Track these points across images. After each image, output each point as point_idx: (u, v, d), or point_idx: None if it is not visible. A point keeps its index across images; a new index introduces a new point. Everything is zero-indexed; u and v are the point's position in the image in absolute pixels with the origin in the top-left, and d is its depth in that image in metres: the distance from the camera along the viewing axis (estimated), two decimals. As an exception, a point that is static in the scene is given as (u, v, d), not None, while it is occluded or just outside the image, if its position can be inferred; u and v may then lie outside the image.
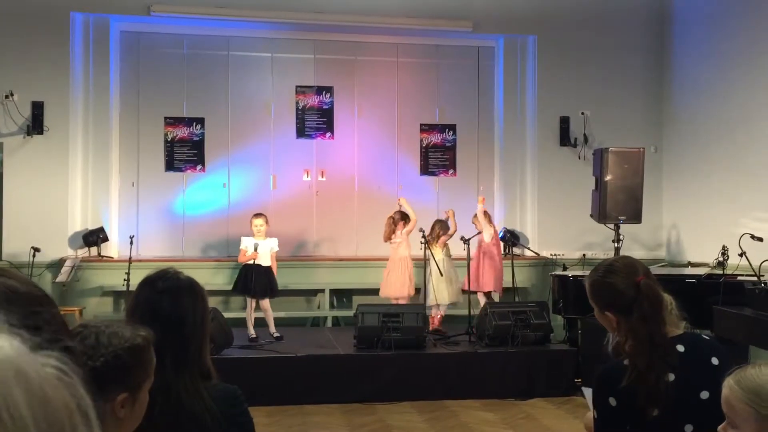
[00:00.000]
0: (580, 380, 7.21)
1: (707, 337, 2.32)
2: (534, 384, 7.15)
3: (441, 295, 8.06)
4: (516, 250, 9.60)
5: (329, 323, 9.14)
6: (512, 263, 8.59)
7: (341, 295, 9.42)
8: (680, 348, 2.15)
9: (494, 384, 7.09)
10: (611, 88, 9.88)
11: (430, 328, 7.99)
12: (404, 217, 8.22)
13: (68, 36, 8.95)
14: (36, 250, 8.33)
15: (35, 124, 8.73)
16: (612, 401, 2.11)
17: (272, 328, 7.76)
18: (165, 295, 1.92)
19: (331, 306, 9.30)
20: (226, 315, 7.82)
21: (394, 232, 8.17)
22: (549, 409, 6.81)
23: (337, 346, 7.52)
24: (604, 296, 2.21)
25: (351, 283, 9.26)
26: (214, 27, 9.53)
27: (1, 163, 8.95)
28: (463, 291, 8.29)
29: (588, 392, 2.40)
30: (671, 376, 2.10)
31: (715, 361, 2.16)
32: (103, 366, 1.39)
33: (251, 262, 7.61)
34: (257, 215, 7.88)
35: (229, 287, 8.87)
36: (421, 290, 8.22)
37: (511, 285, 8.65)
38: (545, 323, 7.52)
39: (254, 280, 7.55)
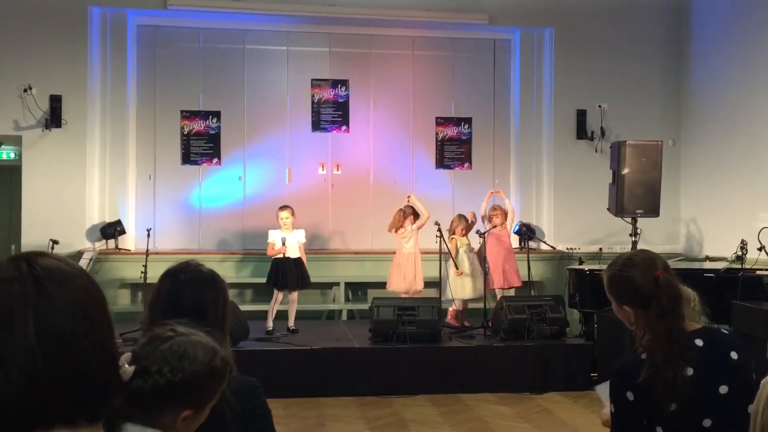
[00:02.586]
0: (596, 374, 7.19)
1: (726, 332, 2.30)
2: (550, 378, 7.14)
3: (457, 290, 8.04)
4: (532, 244, 9.57)
5: (344, 316, 9.16)
6: (528, 257, 8.56)
7: (356, 289, 9.45)
8: (699, 342, 2.13)
9: (510, 378, 7.09)
10: (628, 81, 9.80)
11: (451, 323, 8.01)
12: (414, 212, 8.19)
13: (86, 30, 9.01)
14: (54, 242, 8.41)
15: (53, 118, 8.80)
16: (629, 396, 2.10)
17: (291, 321, 7.78)
18: (187, 287, 1.93)
19: (346, 299, 9.33)
20: (242, 307, 7.87)
21: (402, 225, 8.11)
22: (565, 404, 6.79)
23: (352, 339, 7.55)
24: (622, 290, 2.20)
25: (366, 276, 9.27)
26: (230, 20, 9.56)
27: (20, 156, 9.04)
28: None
29: (601, 389, 2.39)
30: (690, 371, 2.08)
31: (734, 355, 2.14)
32: (180, 383, 1.39)
33: (280, 255, 7.62)
34: (283, 208, 7.87)
35: (245, 280, 8.95)
36: (440, 285, 8.19)
37: (526, 279, 8.62)
38: (561, 317, 7.50)
39: (286, 273, 7.57)
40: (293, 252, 7.66)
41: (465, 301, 8.19)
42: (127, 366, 1.33)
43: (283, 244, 7.58)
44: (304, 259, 7.80)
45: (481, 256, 8.15)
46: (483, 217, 8.35)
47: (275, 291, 7.69)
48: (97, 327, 1.00)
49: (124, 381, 1.29)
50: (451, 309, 8.17)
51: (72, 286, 0.99)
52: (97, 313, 1.01)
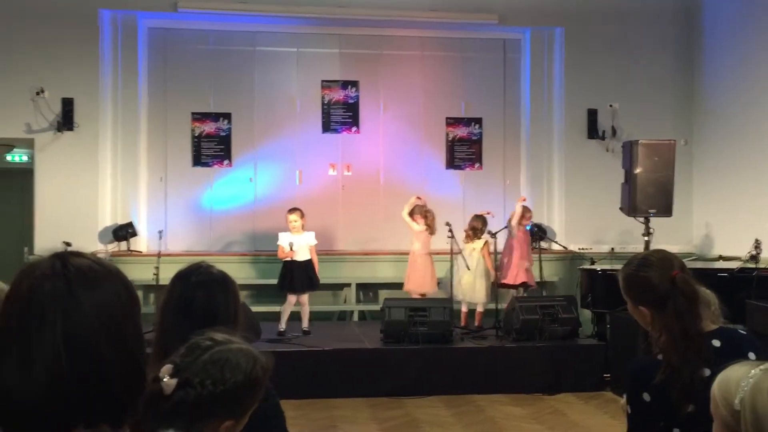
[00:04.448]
0: (608, 375, 7.15)
1: (744, 332, 2.27)
2: (562, 379, 7.10)
3: (469, 291, 8.02)
4: (543, 244, 9.52)
5: (356, 317, 9.16)
6: (540, 257, 8.53)
7: (367, 290, 9.44)
8: (716, 343, 2.11)
9: (522, 379, 7.06)
10: (639, 80, 9.74)
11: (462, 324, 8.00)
12: (424, 215, 8.17)
13: (97, 33, 9.06)
14: (67, 244, 8.45)
15: (65, 121, 8.85)
16: (646, 397, 2.09)
17: (305, 323, 7.77)
18: (198, 289, 1.93)
19: (357, 300, 9.32)
20: (254, 308, 7.88)
21: (412, 216, 8.11)
22: (577, 404, 6.76)
23: (363, 340, 7.54)
24: (638, 290, 2.17)
25: (377, 277, 9.27)
26: (240, 23, 9.57)
27: (33, 159, 9.10)
28: (500, 286, 8.19)
29: None
30: (707, 372, 2.06)
31: (752, 356, 2.11)
32: (222, 394, 1.38)
33: (289, 258, 7.64)
34: (291, 210, 7.86)
35: (256, 281, 8.95)
36: (449, 285, 8.17)
37: (538, 279, 8.58)
38: (573, 318, 7.47)
39: (293, 276, 7.58)
40: (302, 255, 7.67)
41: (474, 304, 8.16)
42: (168, 378, 1.32)
43: (291, 248, 7.58)
44: (315, 261, 7.79)
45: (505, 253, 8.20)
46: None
47: (289, 294, 7.69)
48: (123, 334, 0.99)
49: (166, 393, 1.28)
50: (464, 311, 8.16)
51: (102, 289, 0.98)
52: (124, 319, 1.00)
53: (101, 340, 0.96)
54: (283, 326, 7.64)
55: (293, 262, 7.62)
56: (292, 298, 7.69)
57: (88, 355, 0.94)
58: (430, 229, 8.10)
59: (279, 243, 7.75)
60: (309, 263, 7.72)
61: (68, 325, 0.94)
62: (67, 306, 0.95)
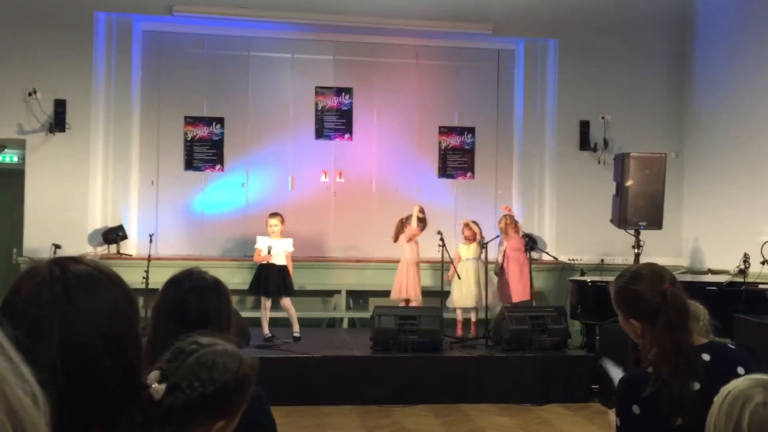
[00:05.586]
0: (597, 386, 7.17)
1: (733, 347, 2.29)
2: (550, 389, 7.11)
3: (458, 298, 8.04)
4: (534, 255, 9.54)
5: (345, 324, 9.14)
6: (530, 267, 8.55)
7: (357, 297, 9.43)
8: (706, 357, 2.13)
9: (510, 389, 7.06)
10: (632, 93, 9.80)
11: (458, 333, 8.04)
12: (419, 221, 8.22)
13: (91, 35, 9.03)
14: (57, 246, 8.42)
15: (57, 122, 8.81)
16: (635, 409, 2.09)
17: (296, 327, 7.75)
18: (190, 295, 1.93)
19: (347, 307, 9.31)
20: (244, 314, 7.86)
21: (402, 232, 8.19)
22: (565, 415, 6.77)
23: (353, 348, 7.53)
24: (629, 303, 2.19)
25: (367, 284, 9.26)
26: (235, 27, 9.58)
27: (24, 160, 9.05)
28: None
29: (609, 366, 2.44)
30: (696, 385, 2.07)
31: (741, 370, 2.13)
32: (212, 395, 1.38)
33: (266, 262, 7.64)
34: (272, 215, 7.91)
35: (246, 286, 8.91)
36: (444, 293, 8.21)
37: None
38: (563, 328, 7.48)
39: (268, 280, 7.59)
40: (279, 260, 7.68)
41: (469, 310, 8.19)
42: (156, 384, 1.32)
43: (269, 252, 7.59)
44: (290, 268, 7.81)
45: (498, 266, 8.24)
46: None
47: (262, 298, 7.70)
48: (121, 341, 0.99)
49: (155, 399, 1.28)
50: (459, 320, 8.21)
51: (101, 297, 0.98)
52: (123, 327, 0.99)
53: (99, 346, 0.96)
54: (267, 331, 7.62)
55: (269, 266, 7.63)
56: (267, 302, 7.69)
57: (85, 362, 0.94)
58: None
59: (256, 246, 7.77)
60: (284, 269, 7.73)
61: (66, 332, 0.94)
62: (65, 312, 0.94)
